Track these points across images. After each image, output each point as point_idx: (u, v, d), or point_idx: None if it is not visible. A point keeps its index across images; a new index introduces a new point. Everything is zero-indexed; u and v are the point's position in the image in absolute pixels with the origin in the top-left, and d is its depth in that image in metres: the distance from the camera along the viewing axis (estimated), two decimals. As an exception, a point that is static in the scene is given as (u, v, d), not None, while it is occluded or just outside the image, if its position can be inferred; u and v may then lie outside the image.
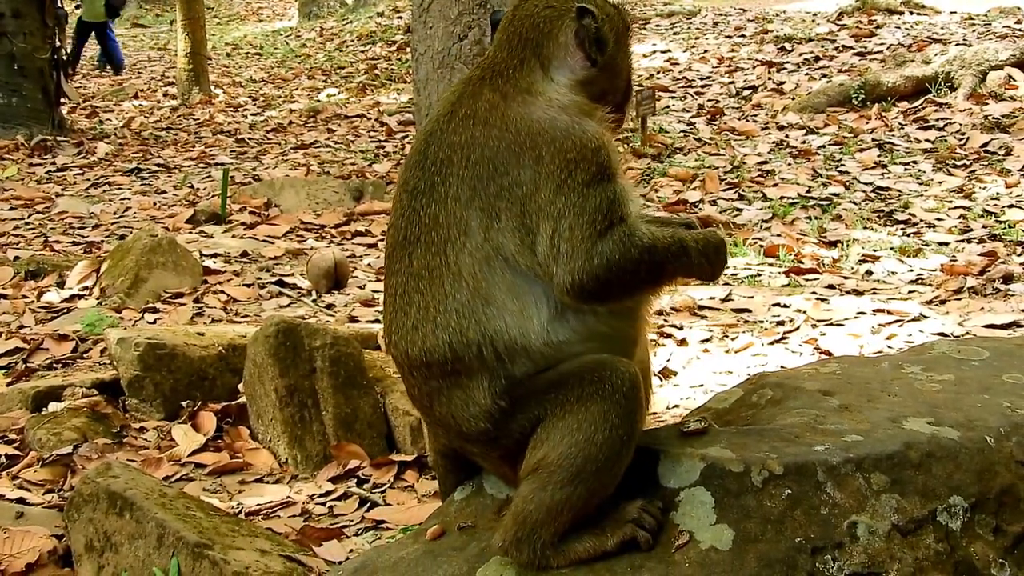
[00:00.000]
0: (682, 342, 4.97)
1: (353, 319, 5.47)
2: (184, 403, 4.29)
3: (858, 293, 5.66)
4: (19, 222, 8.19)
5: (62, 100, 12.34)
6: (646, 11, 16.71)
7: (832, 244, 6.88)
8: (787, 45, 13.20)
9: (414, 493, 3.72)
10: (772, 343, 4.87)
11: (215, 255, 6.75)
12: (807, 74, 11.93)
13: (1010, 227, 6.85)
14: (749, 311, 5.37)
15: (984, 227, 6.93)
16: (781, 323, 5.14)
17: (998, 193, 7.65)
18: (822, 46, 12.89)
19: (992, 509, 2.03)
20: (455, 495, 2.33)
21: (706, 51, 13.77)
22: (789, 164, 8.84)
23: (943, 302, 5.40)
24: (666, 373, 4.65)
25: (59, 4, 12.00)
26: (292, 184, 8.76)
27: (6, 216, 8.38)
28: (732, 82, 12.07)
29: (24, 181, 9.82)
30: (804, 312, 5.22)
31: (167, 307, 5.71)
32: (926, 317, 4.98)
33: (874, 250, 6.62)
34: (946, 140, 9.15)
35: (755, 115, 10.67)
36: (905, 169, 8.50)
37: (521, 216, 2.00)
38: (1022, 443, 2.11)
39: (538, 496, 1.99)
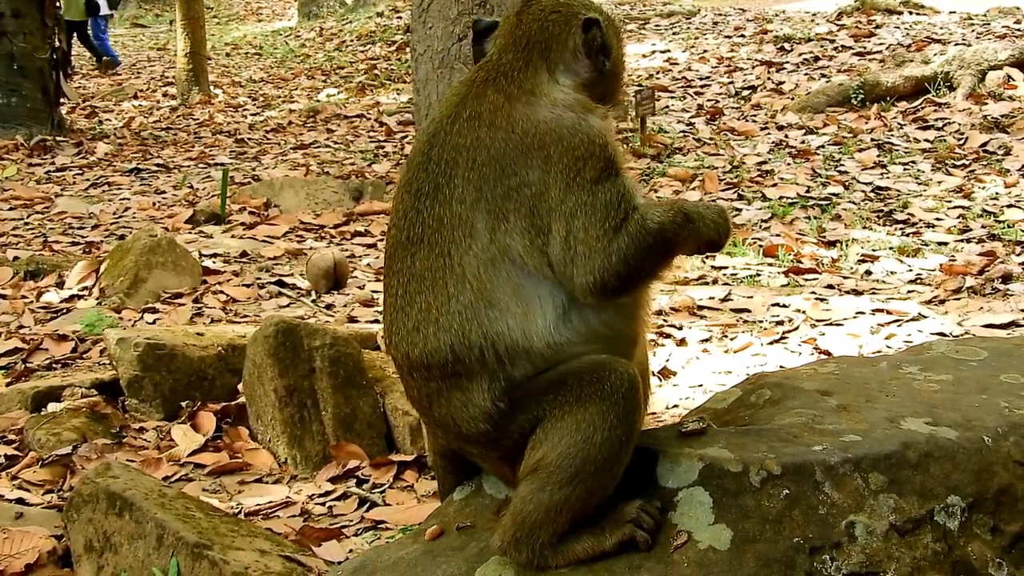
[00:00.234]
0: (681, 342, 4.97)
1: (352, 319, 5.47)
2: (183, 403, 4.29)
3: (857, 293, 5.66)
4: (18, 222, 8.18)
5: (61, 100, 12.34)
6: (646, 11, 16.71)
7: (831, 244, 6.88)
8: (786, 45, 13.20)
9: (413, 493, 3.73)
10: (771, 343, 4.87)
11: (214, 255, 6.74)
12: (806, 74, 11.93)
13: (1009, 227, 6.85)
14: (748, 311, 5.37)
15: (983, 227, 6.93)
16: (780, 323, 5.14)
17: (997, 193, 7.65)
18: (821, 46, 12.88)
19: (990, 509, 2.03)
20: (454, 495, 2.33)
21: (705, 51, 13.76)
22: (788, 164, 8.84)
23: (942, 302, 5.40)
24: (665, 373, 4.65)
25: (58, 4, 12.00)
26: (291, 184, 8.75)
27: (5, 216, 8.38)
28: (731, 82, 12.06)
29: (23, 181, 9.81)
30: (803, 312, 5.22)
31: (166, 307, 5.70)
32: (925, 317, 4.98)
33: (873, 250, 6.62)
34: (945, 140, 9.15)
35: (754, 115, 10.67)
36: (904, 169, 8.50)
37: (530, 217, 2.01)
38: (1020, 443, 2.11)
39: (537, 496, 1.99)
